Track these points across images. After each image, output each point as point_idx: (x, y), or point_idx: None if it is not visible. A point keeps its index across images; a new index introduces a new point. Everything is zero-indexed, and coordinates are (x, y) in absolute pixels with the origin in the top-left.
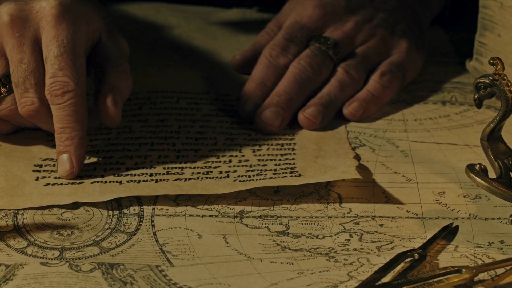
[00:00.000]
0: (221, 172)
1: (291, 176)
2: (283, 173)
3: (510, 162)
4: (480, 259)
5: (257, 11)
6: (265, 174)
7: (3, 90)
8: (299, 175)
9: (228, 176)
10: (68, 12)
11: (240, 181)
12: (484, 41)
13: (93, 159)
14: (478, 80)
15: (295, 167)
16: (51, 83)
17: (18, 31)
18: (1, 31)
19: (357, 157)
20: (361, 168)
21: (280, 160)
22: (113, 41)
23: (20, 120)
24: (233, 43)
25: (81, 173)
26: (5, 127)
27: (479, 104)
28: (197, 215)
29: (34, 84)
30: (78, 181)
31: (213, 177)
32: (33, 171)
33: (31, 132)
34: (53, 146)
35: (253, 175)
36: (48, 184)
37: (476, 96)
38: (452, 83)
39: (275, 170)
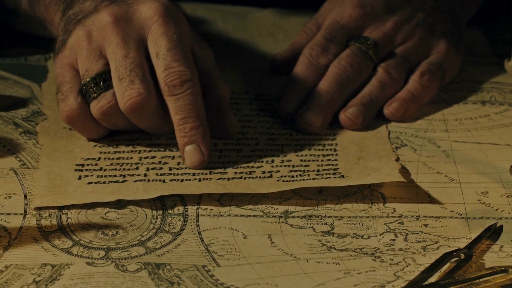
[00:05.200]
0: (264, 172)
1: (335, 177)
2: (326, 174)
3: None
4: None
5: (293, 10)
6: (308, 175)
7: (102, 86)
8: (342, 176)
9: (271, 176)
10: (172, 12)
11: (283, 181)
12: None
13: (136, 159)
14: None
15: (337, 168)
16: (167, 74)
17: (122, 30)
18: (104, 32)
19: (399, 159)
20: (404, 169)
21: (322, 160)
22: (204, 50)
23: (115, 119)
24: (271, 42)
25: (124, 172)
26: (98, 129)
27: None
28: (241, 215)
29: (140, 75)
30: (121, 180)
31: (256, 177)
32: (75, 170)
33: (72, 133)
34: (94, 146)
35: (296, 175)
36: (90, 183)
37: None
38: (490, 83)
39: (318, 170)
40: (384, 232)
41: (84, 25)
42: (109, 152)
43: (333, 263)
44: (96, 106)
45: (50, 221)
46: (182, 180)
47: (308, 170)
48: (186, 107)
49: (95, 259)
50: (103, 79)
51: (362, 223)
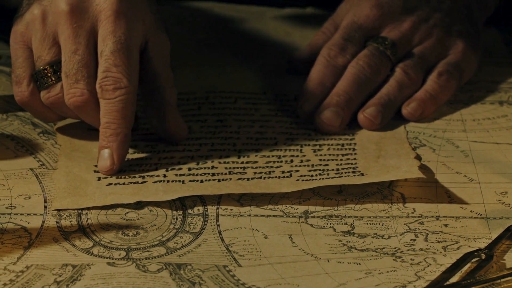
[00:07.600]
0: (283, 172)
1: (354, 175)
2: (345, 172)
3: None
4: None
5: (310, 10)
6: (328, 174)
7: (53, 77)
8: (362, 174)
9: (290, 175)
10: (127, 8)
11: (303, 180)
12: None
13: (155, 160)
14: None
15: (357, 167)
16: (103, 77)
17: (76, 21)
18: (59, 19)
19: (418, 157)
20: (423, 168)
21: (341, 160)
22: (161, 45)
23: (64, 110)
24: (288, 43)
25: (143, 172)
26: (50, 115)
27: None
28: (261, 215)
29: (86, 76)
30: (140, 181)
31: (275, 177)
32: (94, 171)
33: (90, 132)
34: None
35: (316, 175)
36: (110, 184)
37: None
38: (508, 83)
39: (337, 169)
40: (404, 232)
41: (41, 4)
42: (127, 152)
43: (354, 263)
44: (45, 96)
45: (70, 221)
46: (201, 181)
47: (328, 169)
48: (113, 113)
49: (116, 259)
50: (54, 70)
51: (382, 223)
